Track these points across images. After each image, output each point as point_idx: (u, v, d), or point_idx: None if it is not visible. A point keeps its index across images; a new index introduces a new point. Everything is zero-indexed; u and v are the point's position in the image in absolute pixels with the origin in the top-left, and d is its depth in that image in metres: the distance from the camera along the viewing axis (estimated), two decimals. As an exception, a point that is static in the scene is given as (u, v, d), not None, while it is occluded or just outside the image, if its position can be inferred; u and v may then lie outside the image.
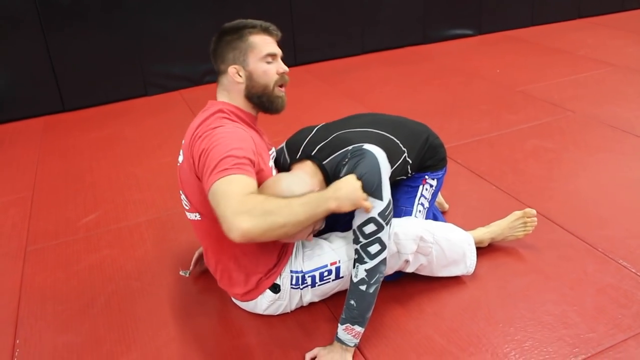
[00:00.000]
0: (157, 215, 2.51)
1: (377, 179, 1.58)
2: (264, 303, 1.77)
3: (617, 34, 5.27)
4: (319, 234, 1.89)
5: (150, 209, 2.58)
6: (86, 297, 1.99)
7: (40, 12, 3.84)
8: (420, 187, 1.98)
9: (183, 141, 1.69)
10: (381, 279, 1.62)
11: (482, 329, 1.70)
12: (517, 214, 2.05)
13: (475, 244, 1.93)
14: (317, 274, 1.73)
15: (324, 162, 1.69)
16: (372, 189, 1.56)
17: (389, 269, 1.75)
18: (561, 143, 2.96)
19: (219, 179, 1.39)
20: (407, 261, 1.76)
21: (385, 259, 1.61)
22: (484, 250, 2.05)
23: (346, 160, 1.64)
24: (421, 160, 1.95)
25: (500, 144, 3.01)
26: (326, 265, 1.72)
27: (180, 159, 1.68)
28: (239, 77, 1.63)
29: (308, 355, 1.64)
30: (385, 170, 1.63)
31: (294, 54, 4.75)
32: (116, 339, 1.78)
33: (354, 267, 1.61)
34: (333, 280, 1.75)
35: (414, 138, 1.92)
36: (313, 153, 1.75)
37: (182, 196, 1.72)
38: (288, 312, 1.82)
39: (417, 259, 1.78)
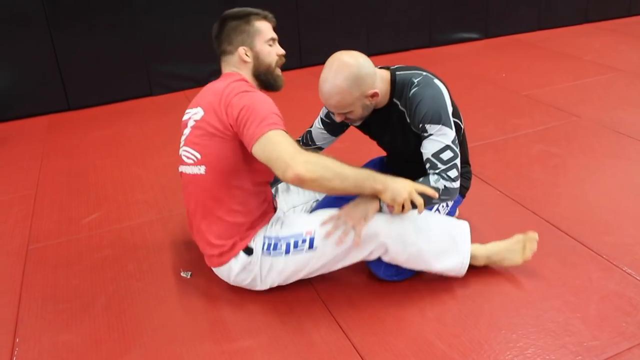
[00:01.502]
0: (159, 216, 2.50)
1: (444, 110, 1.78)
2: (237, 267, 1.81)
3: (624, 39, 5.25)
4: None
5: (152, 209, 2.58)
6: (87, 297, 1.99)
7: (47, 10, 3.86)
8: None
9: (193, 108, 1.81)
10: (442, 203, 1.84)
11: (484, 335, 1.69)
12: (519, 237, 1.94)
13: (470, 258, 1.88)
14: (292, 241, 1.77)
15: (399, 72, 1.87)
16: (441, 119, 1.76)
17: (367, 250, 1.78)
18: (567, 148, 2.95)
19: (272, 129, 1.59)
20: (383, 242, 1.76)
21: (458, 189, 1.80)
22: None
23: (415, 82, 1.82)
24: None
25: (505, 148, 2.99)
26: (301, 234, 1.76)
27: (198, 115, 1.78)
28: (247, 57, 1.81)
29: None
30: (449, 102, 1.82)
31: (300, 56, 4.75)
32: (116, 339, 1.77)
33: (433, 175, 1.77)
34: (306, 250, 1.76)
35: (466, 143, 2.12)
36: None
37: (187, 150, 1.80)
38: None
39: (404, 246, 1.77)
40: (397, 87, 1.85)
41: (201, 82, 4.37)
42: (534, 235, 1.93)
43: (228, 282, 1.89)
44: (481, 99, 3.78)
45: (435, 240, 1.81)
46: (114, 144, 3.44)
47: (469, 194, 2.18)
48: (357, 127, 2.06)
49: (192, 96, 1.82)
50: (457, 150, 1.78)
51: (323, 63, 1.80)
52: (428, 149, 1.78)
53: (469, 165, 2.15)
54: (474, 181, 2.51)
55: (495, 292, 1.87)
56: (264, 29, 1.85)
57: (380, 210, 1.74)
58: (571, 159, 2.82)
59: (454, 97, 2.00)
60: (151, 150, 3.27)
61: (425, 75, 1.85)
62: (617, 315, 1.74)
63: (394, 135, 1.95)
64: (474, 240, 1.99)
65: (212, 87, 1.79)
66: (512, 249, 1.93)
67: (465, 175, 2.10)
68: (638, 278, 1.90)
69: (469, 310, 1.79)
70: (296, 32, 4.67)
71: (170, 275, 2.07)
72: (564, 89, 3.90)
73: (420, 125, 1.79)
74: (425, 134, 1.79)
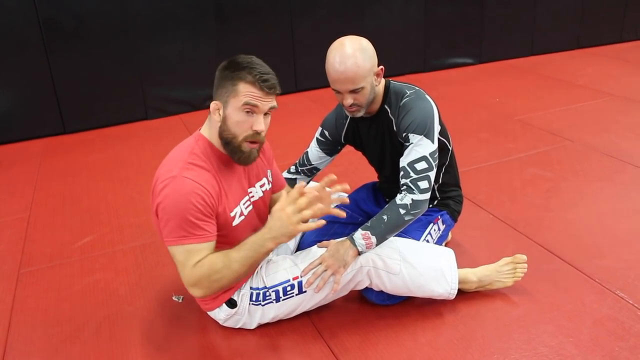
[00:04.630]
0: (152, 240, 2.49)
1: (430, 122, 1.81)
2: (222, 315, 1.80)
3: (616, 64, 5.31)
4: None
5: (145, 232, 2.57)
6: (77, 322, 1.97)
7: (44, 34, 3.89)
8: (432, 224, 2.02)
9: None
10: (415, 217, 1.79)
11: (476, 360, 1.68)
12: (507, 259, 1.96)
13: (460, 282, 1.88)
14: (280, 288, 1.76)
15: (393, 82, 1.94)
16: (424, 131, 1.80)
17: (354, 282, 1.80)
18: (559, 172, 2.96)
19: (175, 245, 1.58)
20: (368, 272, 1.77)
21: (427, 200, 1.80)
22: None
23: (408, 92, 1.88)
24: (447, 189, 2.09)
25: (498, 172, 3.00)
26: (289, 280, 1.76)
27: None
28: (217, 114, 1.61)
29: (321, 244, 1.81)
30: (437, 118, 1.86)
31: (295, 81, 4.79)
32: (106, 365, 1.75)
33: (400, 193, 1.78)
34: (296, 295, 1.77)
35: (456, 166, 2.14)
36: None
37: None
38: (251, 330, 1.84)
39: (388, 276, 1.77)
40: (390, 94, 1.91)
41: (197, 106, 4.41)
42: (522, 257, 1.95)
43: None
44: (475, 124, 3.81)
45: (422, 271, 1.79)
46: (108, 167, 3.45)
47: (461, 217, 2.19)
48: (351, 143, 2.11)
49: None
50: (434, 164, 1.81)
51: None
52: (405, 157, 1.82)
53: (460, 189, 2.15)
54: (467, 205, 2.52)
55: (488, 317, 1.86)
56: (243, 92, 1.54)
57: (359, 254, 1.75)
58: (564, 183, 2.83)
59: (448, 121, 2.02)
60: (146, 173, 3.27)
61: (418, 90, 1.92)
62: (610, 340, 1.73)
63: (383, 148, 1.98)
64: (465, 264, 2.00)
65: (170, 153, 1.68)
66: (502, 271, 1.94)
67: (456, 199, 2.11)
68: (631, 302, 1.89)
69: (461, 335, 1.78)
70: (291, 56, 4.72)
71: (162, 300, 2.06)
72: (557, 113, 3.94)
73: (404, 135, 1.83)
74: (407, 144, 1.83)
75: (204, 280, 1.57)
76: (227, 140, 1.61)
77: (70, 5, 3.91)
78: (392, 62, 5.12)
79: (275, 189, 1.95)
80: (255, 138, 1.60)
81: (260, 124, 1.58)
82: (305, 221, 1.57)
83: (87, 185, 3.18)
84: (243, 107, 1.56)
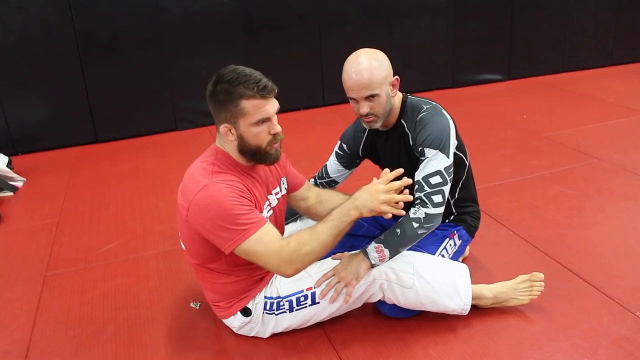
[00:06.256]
0: (174, 247, 2.55)
1: (446, 137, 1.83)
2: (236, 323, 1.83)
3: (650, 82, 5.21)
4: None
5: (168, 240, 2.63)
6: (97, 324, 2.03)
7: (80, 47, 4.04)
8: (447, 239, 2.02)
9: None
10: (429, 231, 1.79)
11: (487, 376, 1.66)
12: (524, 277, 1.95)
13: (476, 298, 1.88)
14: (294, 298, 1.78)
15: (411, 96, 1.97)
16: (440, 145, 1.81)
17: (367, 295, 1.80)
18: (584, 190, 2.92)
19: (242, 242, 1.58)
20: (381, 285, 1.79)
21: (441, 214, 1.80)
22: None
23: (425, 107, 1.90)
24: (464, 205, 2.08)
25: (521, 189, 2.98)
26: (302, 291, 1.78)
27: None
28: (231, 134, 1.66)
29: (335, 255, 1.84)
30: (453, 133, 1.87)
31: (323, 95, 4.85)
32: (122, 367, 1.80)
33: (414, 207, 1.78)
34: (309, 305, 1.79)
35: (473, 181, 2.12)
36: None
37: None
38: (264, 338, 1.87)
39: (401, 290, 1.78)
40: (407, 108, 1.93)
41: (225, 118, 4.50)
42: (539, 275, 1.93)
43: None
44: (500, 140, 3.78)
45: (435, 286, 1.79)
46: (136, 176, 3.54)
47: (481, 233, 2.18)
48: (368, 157, 2.13)
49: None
50: (448, 179, 1.82)
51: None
52: (420, 171, 1.84)
53: (477, 204, 2.15)
54: (487, 221, 2.52)
55: (501, 333, 1.84)
56: (251, 110, 1.60)
57: (372, 267, 1.77)
58: (588, 201, 2.79)
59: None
60: (172, 183, 3.35)
61: (435, 105, 1.93)
62: (626, 361, 1.70)
63: (399, 162, 1.99)
64: (482, 280, 1.99)
65: (191, 167, 1.72)
66: (518, 288, 1.93)
67: (474, 214, 2.10)
68: (650, 324, 1.86)
69: (473, 351, 1.77)
70: (319, 71, 4.78)
71: (179, 305, 2.11)
72: (585, 131, 3.88)
73: (420, 149, 1.85)
74: (423, 158, 1.84)
75: (295, 256, 1.60)
76: (252, 152, 1.68)
77: (105, 20, 4.06)
78: (419, 77, 5.15)
79: (294, 188, 1.98)
80: (276, 139, 1.69)
81: (276, 126, 1.67)
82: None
83: (115, 193, 3.27)
84: (256, 123, 1.62)
